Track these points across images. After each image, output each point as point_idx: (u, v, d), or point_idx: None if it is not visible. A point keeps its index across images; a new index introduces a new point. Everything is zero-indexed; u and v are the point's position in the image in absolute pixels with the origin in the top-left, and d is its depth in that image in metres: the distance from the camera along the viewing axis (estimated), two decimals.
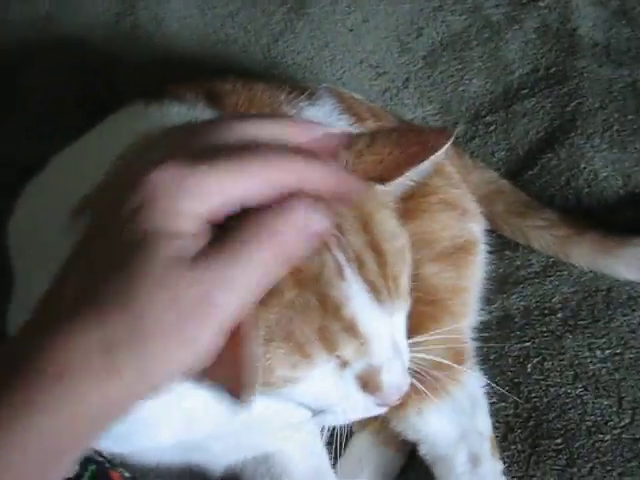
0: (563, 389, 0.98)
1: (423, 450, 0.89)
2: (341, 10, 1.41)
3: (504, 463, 0.92)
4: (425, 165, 0.66)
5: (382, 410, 0.67)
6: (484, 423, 0.91)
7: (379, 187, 0.65)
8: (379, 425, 0.94)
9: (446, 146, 0.66)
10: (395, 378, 0.63)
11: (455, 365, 0.83)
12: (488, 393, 0.95)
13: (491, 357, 1.01)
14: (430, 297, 0.90)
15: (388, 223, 0.64)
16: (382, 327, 0.61)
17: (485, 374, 0.96)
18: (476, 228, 1.00)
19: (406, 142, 0.65)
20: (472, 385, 0.90)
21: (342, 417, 0.66)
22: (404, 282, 0.64)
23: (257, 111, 0.91)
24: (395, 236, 0.64)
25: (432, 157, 0.66)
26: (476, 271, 0.98)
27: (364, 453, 0.94)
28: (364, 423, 0.94)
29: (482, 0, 1.40)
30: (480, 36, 1.36)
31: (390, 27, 1.39)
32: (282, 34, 1.40)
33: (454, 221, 0.97)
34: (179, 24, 1.43)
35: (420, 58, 1.35)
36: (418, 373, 0.72)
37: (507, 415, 0.97)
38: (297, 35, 1.39)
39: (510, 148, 1.23)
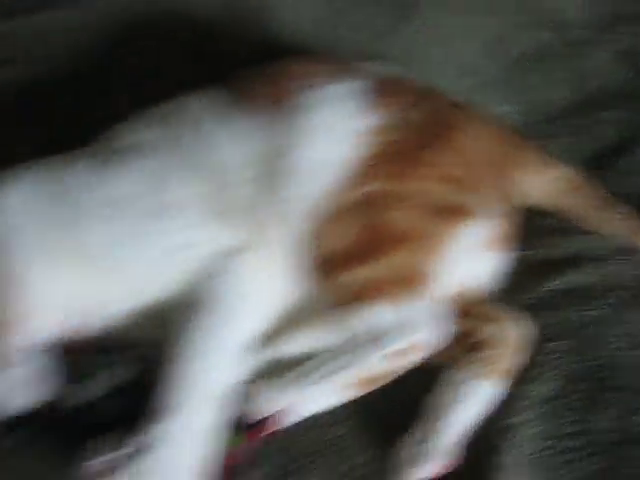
0: (621, 352, 1.11)
1: None
2: (442, 18, 1.57)
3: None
4: None
5: None
6: None
7: None
8: None
9: None
10: None
11: None
12: (552, 350, 1.10)
13: (551, 322, 1.15)
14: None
15: None
16: None
17: (548, 335, 1.10)
18: (469, 202, 1.11)
19: None
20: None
21: None
22: None
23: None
24: None
25: None
26: (457, 236, 1.09)
27: None
28: None
29: (566, 21, 1.55)
30: (562, 51, 1.51)
31: (481, 36, 1.54)
32: (386, 35, 1.56)
33: (443, 188, 1.10)
34: (291, 14, 1.59)
35: (508, 65, 1.51)
36: None
37: (568, 369, 1.10)
38: (400, 36, 1.56)
39: (585, 149, 1.38)
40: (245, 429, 1.02)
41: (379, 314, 1.04)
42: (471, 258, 1.13)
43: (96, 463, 0.95)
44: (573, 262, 1.22)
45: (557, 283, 1.20)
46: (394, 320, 1.04)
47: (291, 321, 1.13)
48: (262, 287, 1.08)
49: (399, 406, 1.09)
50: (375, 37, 1.56)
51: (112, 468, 0.95)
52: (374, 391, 1.10)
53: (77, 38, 1.54)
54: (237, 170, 1.09)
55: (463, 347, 1.07)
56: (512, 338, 1.07)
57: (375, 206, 1.07)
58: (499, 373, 1.05)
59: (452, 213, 1.10)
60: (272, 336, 1.11)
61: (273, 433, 1.04)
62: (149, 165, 1.12)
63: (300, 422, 1.08)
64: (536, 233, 1.25)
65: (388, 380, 1.09)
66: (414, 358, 1.06)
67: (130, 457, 0.96)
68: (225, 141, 1.11)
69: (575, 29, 1.53)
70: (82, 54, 1.55)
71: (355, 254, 1.06)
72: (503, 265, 1.18)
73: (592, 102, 1.45)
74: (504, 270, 1.18)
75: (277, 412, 1.04)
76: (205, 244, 1.08)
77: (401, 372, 1.08)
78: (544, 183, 1.24)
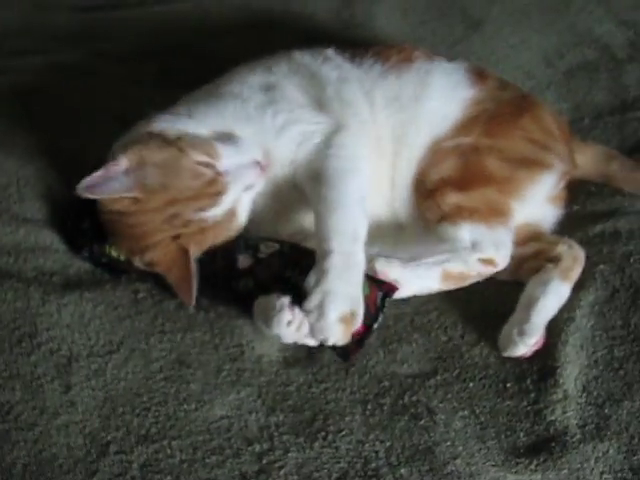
0: None
1: None
2: (507, 31, 1.94)
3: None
4: None
5: None
6: None
7: None
8: None
9: None
10: None
11: None
12: (600, 270, 1.40)
13: (600, 252, 1.44)
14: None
15: None
16: None
17: (597, 261, 1.41)
18: (547, 159, 1.45)
19: None
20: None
21: None
22: None
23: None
24: None
25: None
26: (535, 182, 1.43)
27: None
28: None
29: (610, 41, 1.91)
30: (606, 65, 1.86)
31: (540, 49, 1.90)
32: (460, 41, 1.91)
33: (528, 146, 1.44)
34: (385, 21, 1.94)
35: (560, 73, 1.85)
36: None
37: (613, 283, 1.39)
38: (471, 44, 1.91)
39: (622, 139, 1.71)
40: (371, 281, 1.31)
41: (476, 230, 1.36)
42: (542, 204, 1.46)
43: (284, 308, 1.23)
44: (615, 214, 1.53)
45: (603, 228, 1.50)
46: (486, 235, 1.35)
47: (389, 235, 1.44)
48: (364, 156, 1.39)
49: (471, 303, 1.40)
50: (452, 43, 1.90)
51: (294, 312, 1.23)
52: (450, 292, 1.40)
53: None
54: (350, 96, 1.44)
55: (542, 260, 1.39)
56: (578, 253, 1.40)
57: (472, 152, 1.40)
58: (571, 278, 1.38)
59: (533, 164, 1.44)
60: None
61: (390, 290, 1.32)
62: (270, 79, 1.47)
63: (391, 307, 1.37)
64: (581, 194, 1.57)
65: (473, 281, 1.39)
66: (493, 269, 1.38)
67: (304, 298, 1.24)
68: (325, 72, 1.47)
69: (616, 49, 1.89)
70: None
71: (452, 183, 1.38)
72: (560, 217, 1.50)
73: (627, 106, 1.78)
74: (559, 220, 1.50)
75: (391, 280, 1.32)
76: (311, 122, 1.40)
77: (480, 278, 1.39)
78: (589, 156, 1.58)
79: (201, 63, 1.84)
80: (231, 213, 1.34)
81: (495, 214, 1.38)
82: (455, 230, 1.36)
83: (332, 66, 1.48)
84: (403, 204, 1.43)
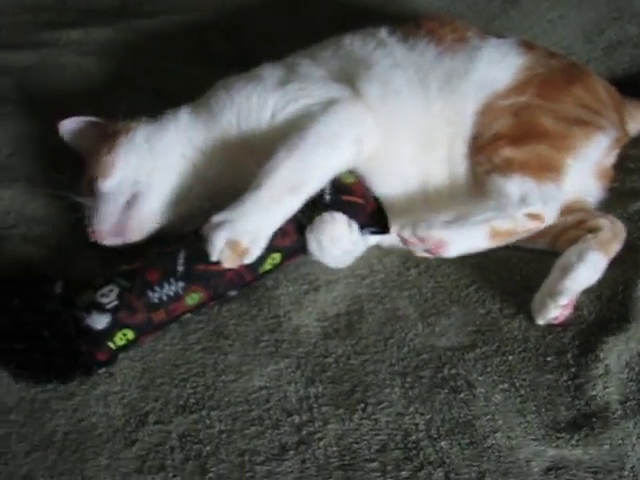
0: None
1: None
2: (545, 7, 1.91)
3: None
4: None
5: None
6: None
7: None
8: None
9: None
10: None
11: None
12: None
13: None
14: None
15: None
16: None
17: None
18: (600, 121, 1.44)
19: None
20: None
21: None
22: None
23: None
24: None
25: None
26: (589, 141, 1.41)
27: None
28: None
29: None
30: None
31: (579, 24, 1.88)
32: (498, 17, 1.89)
33: (580, 110, 1.44)
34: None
35: (600, 49, 1.83)
36: None
37: None
38: (510, 19, 1.89)
39: None
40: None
41: (525, 184, 1.34)
42: (590, 175, 1.44)
43: None
44: None
45: None
46: (535, 190, 1.33)
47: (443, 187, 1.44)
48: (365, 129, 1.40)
49: (509, 276, 1.39)
50: (490, 18, 1.88)
51: None
52: (489, 265, 1.39)
53: None
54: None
55: (582, 229, 1.37)
56: (619, 229, 1.38)
57: (526, 110, 1.40)
58: (608, 251, 1.35)
59: (587, 124, 1.43)
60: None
61: None
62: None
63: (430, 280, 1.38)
64: (620, 172, 1.53)
65: (519, 237, 1.35)
66: (540, 225, 1.34)
67: None
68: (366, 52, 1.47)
69: None
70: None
71: (506, 138, 1.37)
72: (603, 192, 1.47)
73: None
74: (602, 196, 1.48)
75: (437, 241, 1.29)
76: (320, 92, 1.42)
77: (528, 234, 1.35)
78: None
79: (236, 37, 1.84)
80: None
81: (546, 169, 1.37)
82: (504, 182, 1.34)
83: (385, 52, 1.47)
84: (463, 176, 1.42)
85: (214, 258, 1.27)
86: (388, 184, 1.42)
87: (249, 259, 1.29)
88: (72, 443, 1.19)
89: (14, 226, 1.48)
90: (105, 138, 1.44)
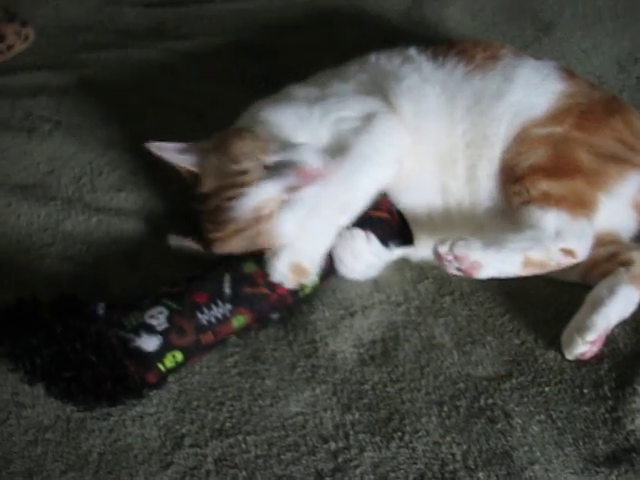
0: None
1: None
2: (579, 36, 1.91)
3: None
4: None
5: None
6: None
7: None
8: None
9: None
10: None
11: None
12: None
13: None
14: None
15: None
16: None
17: None
18: (636, 159, 1.43)
19: None
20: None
21: None
22: None
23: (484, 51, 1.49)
24: None
25: None
26: (623, 179, 1.40)
27: None
28: None
29: None
30: None
31: (613, 53, 1.87)
32: (531, 45, 1.89)
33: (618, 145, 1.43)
34: (455, 23, 1.94)
35: (634, 77, 1.83)
36: None
37: None
38: (542, 47, 1.89)
39: None
40: None
41: (561, 218, 1.34)
42: (625, 208, 1.44)
43: None
44: None
45: None
46: (570, 225, 1.33)
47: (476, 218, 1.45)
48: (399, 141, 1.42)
49: (544, 306, 1.39)
50: (522, 46, 1.88)
51: None
52: (522, 295, 1.39)
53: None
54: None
55: (615, 263, 1.37)
56: None
57: (563, 142, 1.39)
58: None
59: (622, 162, 1.42)
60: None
61: None
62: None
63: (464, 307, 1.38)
64: None
65: (551, 270, 1.35)
66: (573, 260, 1.34)
67: None
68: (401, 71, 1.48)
69: None
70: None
71: (543, 170, 1.37)
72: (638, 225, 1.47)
73: None
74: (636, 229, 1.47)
75: (472, 262, 1.29)
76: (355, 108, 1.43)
77: (558, 268, 1.34)
78: None
79: (271, 59, 1.85)
80: (264, 215, 1.32)
81: (581, 205, 1.37)
82: (541, 215, 1.35)
83: (413, 67, 1.48)
84: (486, 194, 1.43)
85: (276, 280, 1.31)
86: (410, 199, 1.44)
87: (308, 279, 1.33)
88: (107, 464, 1.20)
89: (51, 244, 1.49)
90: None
